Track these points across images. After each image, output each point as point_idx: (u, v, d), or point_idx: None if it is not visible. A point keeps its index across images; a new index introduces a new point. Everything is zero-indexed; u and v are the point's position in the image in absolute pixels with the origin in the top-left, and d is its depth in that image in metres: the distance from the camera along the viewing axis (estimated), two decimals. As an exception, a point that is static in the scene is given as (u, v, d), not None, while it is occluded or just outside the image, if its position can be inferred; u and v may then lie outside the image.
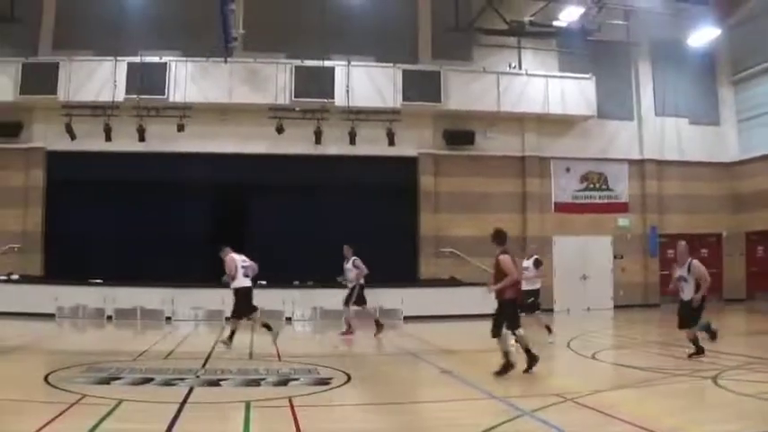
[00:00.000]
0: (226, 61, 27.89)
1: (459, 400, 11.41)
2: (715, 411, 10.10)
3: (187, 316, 25.79)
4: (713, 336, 16.66)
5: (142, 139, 27.16)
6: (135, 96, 26.98)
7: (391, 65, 29.43)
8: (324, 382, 12.57)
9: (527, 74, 30.74)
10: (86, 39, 27.77)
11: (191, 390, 11.52)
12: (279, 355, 16.89)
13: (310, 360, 15.43)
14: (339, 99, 28.55)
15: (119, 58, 27.34)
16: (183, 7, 28.33)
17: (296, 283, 26.96)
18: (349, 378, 12.95)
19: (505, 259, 13.46)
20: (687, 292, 15.12)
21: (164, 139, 27.87)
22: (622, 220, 32.06)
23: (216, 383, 12.24)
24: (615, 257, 31.65)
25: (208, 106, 28.33)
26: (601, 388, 11.90)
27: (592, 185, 31.97)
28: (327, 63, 28.78)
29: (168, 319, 25.68)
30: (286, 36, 28.45)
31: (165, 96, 27.76)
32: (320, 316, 26.44)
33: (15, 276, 26.47)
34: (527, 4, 29.29)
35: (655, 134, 32.69)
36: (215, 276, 27.20)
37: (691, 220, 32.33)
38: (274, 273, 26.44)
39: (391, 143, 28.64)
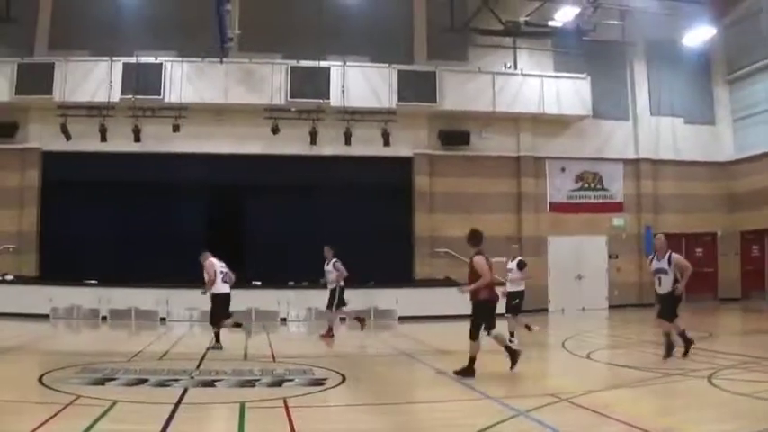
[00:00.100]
0: (221, 62, 27.91)
1: (455, 401, 11.40)
2: (710, 411, 10.10)
3: (182, 317, 25.79)
4: (669, 351, 15.26)
5: (138, 139, 27.15)
6: (130, 97, 26.96)
7: (387, 65, 29.42)
8: (318, 382, 12.57)
9: (522, 74, 30.73)
10: (82, 39, 27.76)
11: (185, 390, 11.51)
12: (273, 355, 16.91)
13: (305, 361, 15.43)
14: (334, 99, 28.54)
15: (114, 58, 27.29)
16: (178, 8, 28.30)
17: (291, 283, 26.97)
18: (344, 379, 12.94)
19: (479, 260, 13.41)
20: (665, 285, 15.08)
21: (159, 140, 27.85)
22: (617, 220, 32.08)
23: (210, 384, 12.24)
24: (610, 257, 31.67)
25: (203, 107, 28.32)
26: (596, 388, 11.90)
27: (587, 185, 31.98)
28: (323, 63, 28.76)
29: (163, 319, 25.70)
30: (281, 36, 28.44)
31: (161, 97, 27.73)
32: (315, 316, 26.41)
33: (10, 277, 26.47)
34: (522, 4, 29.32)
35: (650, 134, 32.70)
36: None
37: (686, 219, 32.36)
38: (269, 273, 26.56)
39: (386, 143, 28.64)
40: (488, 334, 13.32)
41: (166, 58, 28.13)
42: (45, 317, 25.23)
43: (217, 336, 17.79)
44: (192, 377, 12.88)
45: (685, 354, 14.92)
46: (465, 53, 31.17)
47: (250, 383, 12.39)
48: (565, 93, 30.75)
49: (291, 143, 28.43)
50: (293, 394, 11.32)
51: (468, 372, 12.91)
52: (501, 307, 17.96)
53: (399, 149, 29.68)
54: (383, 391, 12.19)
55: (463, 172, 30.54)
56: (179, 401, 10.60)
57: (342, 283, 21.13)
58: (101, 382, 12.18)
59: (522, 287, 19.05)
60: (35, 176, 28.21)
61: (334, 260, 21.04)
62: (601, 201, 32.00)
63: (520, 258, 19.31)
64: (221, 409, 10.39)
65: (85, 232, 27.70)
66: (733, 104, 33.42)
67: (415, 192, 30.37)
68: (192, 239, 27.70)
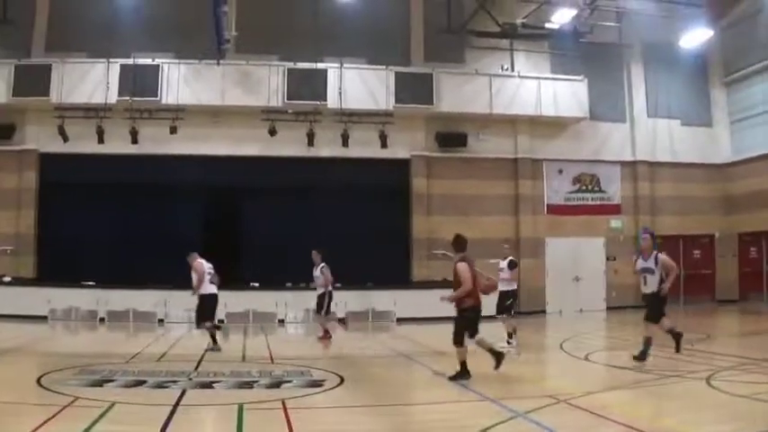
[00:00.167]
0: (218, 63, 27.92)
1: (452, 402, 11.42)
2: (708, 412, 10.10)
3: (180, 318, 25.73)
4: (678, 346, 15.29)
5: (135, 141, 27.10)
6: (128, 98, 26.92)
7: (384, 67, 29.42)
8: (317, 384, 12.58)
9: (519, 76, 30.74)
10: (79, 41, 27.74)
11: (183, 392, 11.52)
12: (272, 357, 16.93)
13: (303, 362, 15.45)
14: (332, 101, 28.52)
15: (111, 60, 27.27)
16: (175, 9, 28.30)
17: (288, 285, 26.97)
18: (342, 380, 12.95)
19: (462, 267, 13.31)
20: (651, 285, 14.94)
21: (156, 142, 27.84)
22: (615, 222, 32.07)
23: (209, 386, 12.24)
24: (608, 259, 31.66)
25: (200, 108, 28.30)
26: (594, 389, 11.90)
27: (584, 187, 31.99)
28: (320, 65, 28.77)
29: (161, 321, 25.70)
30: (279, 38, 28.43)
31: (158, 98, 27.69)
32: (313, 318, 26.39)
33: (8, 279, 26.44)
34: (519, 6, 29.30)
35: (647, 136, 32.72)
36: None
37: (683, 221, 32.39)
38: (267, 275, 26.55)
39: (384, 145, 28.64)
40: (470, 340, 13.27)
41: (163, 60, 28.11)
42: (43, 318, 25.23)
43: (213, 338, 17.78)
44: (191, 379, 12.88)
45: (677, 350, 14.99)
46: (462, 55, 31.19)
47: (248, 385, 12.40)
48: (562, 95, 30.76)
49: (289, 145, 28.41)
50: (291, 396, 11.33)
51: (462, 376, 12.90)
52: (491, 309, 18.19)
53: (397, 151, 29.69)
54: (381, 393, 12.19)
55: (460, 174, 30.55)
56: (177, 403, 10.60)
57: (330, 289, 20.98)
58: (99, 383, 12.19)
59: (514, 286, 19.07)
60: (32, 178, 28.18)
61: (321, 265, 20.97)
62: (598, 203, 32.00)
63: (511, 258, 19.28)
64: (219, 410, 10.40)
65: (83, 234, 27.67)
66: (730, 106, 33.42)
67: (412, 194, 30.36)
68: (189, 241, 27.58)
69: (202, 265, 17.97)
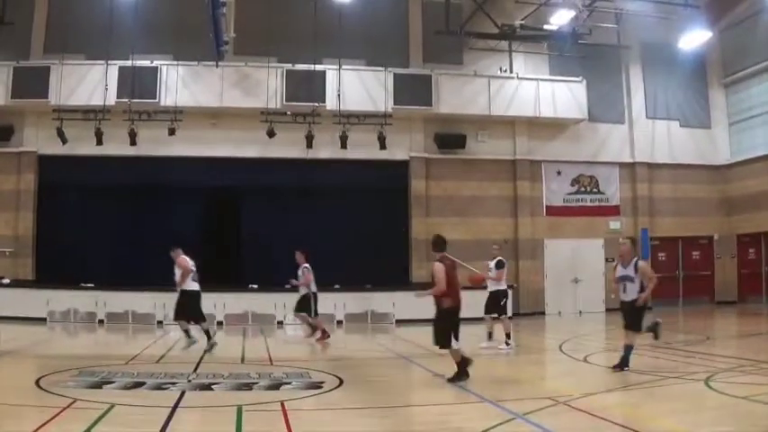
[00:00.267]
0: (217, 65, 27.93)
1: (452, 404, 11.42)
2: (707, 413, 10.12)
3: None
4: (656, 335, 15.15)
5: (134, 143, 27.05)
6: (126, 100, 26.90)
7: (382, 69, 29.45)
8: (316, 385, 12.57)
9: (518, 77, 30.78)
10: (78, 43, 27.70)
11: (182, 394, 11.52)
12: (271, 359, 16.93)
13: (302, 364, 15.47)
14: (330, 103, 28.53)
15: (110, 62, 27.26)
16: (174, 11, 28.32)
17: (288, 286, 26.90)
18: (341, 382, 12.95)
19: (437, 267, 13.27)
20: (630, 293, 14.29)
21: (155, 143, 27.82)
22: (614, 223, 32.07)
23: (208, 387, 12.23)
24: (607, 260, 31.58)
25: (199, 110, 28.33)
26: (593, 391, 11.90)
27: (583, 188, 32.01)
28: (318, 67, 28.78)
29: (160, 323, 25.67)
30: (277, 40, 28.37)
31: (157, 100, 27.72)
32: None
33: (7, 280, 26.43)
34: (518, 7, 29.30)
35: (646, 137, 32.74)
36: (207, 280, 27.31)
37: (682, 222, 32.44)
38: (266, 276, 26.56)
39: (382, 147, 28.59)
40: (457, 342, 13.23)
41: (162, 62, 28.15)
42: (42, 320, 25.24)
43: (207, 334, 17.83)
44: (190, 380, 12.87)
45: (616, 368, 14.07)
46: (460, 57, 31.23)
47: (247, 387, 12.39)
48: (560, 96, 30.79)
49: (287, 147, 28.40)
50: (290, 397, 11.33)
51: (460, 377, 12.89)
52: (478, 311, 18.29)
53: (395, 153, 29.71)
54: (380, 395, 12.18)
55: (459, 175, 30.59)
56: (176, 405, 10.60)
57: (314, 289, 20.94)
58: (98, 385, 12.19)
59: (503, 287, 19.04)
60: (31, 180, 28.19)
61: (304, 265, 20.91)
62: (597, 204, 32.03)
63: (499, 258, 19.24)
64: (219, 412, 10.38)
65: (82, 236, 27.73)
66: (729, 108, 33.44)
67: (411, 195, 30.38)
68: (188, 243, 27.72)
69: (187, 261, 18.05)
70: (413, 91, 29.43)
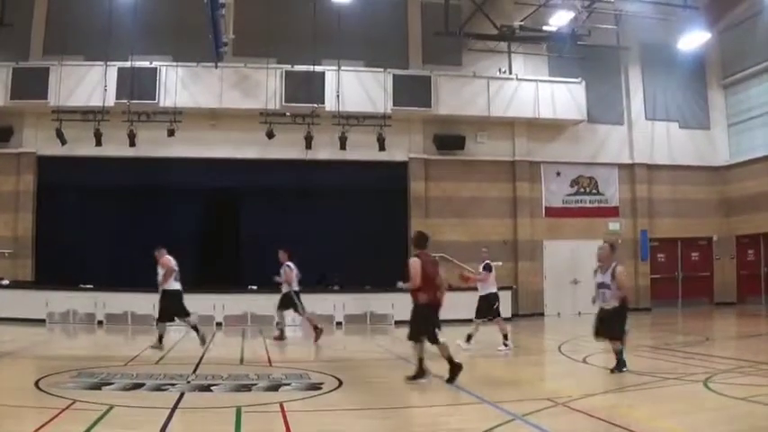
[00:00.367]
0: (216, 66, 27.91)
1: (451, 405, 11.43)
2: (706, 415, 10.11)
3: (178, 321, 25.70)
4: (618, 366, 14.08)
5: (133, 144, 27.03)
6: (125, 101, 26.89)
7: (381, 70, 29.45)
8: (315, 387, 12.56)
9: (517, 78, 30.78)
10: (77, 44, 27.67)
11: (182, 395, 11.51)
12: (270, 360, 16.93)
13: (301, 365, 15.45)
14: (329, 104, 28.52)
15: (109, 63, 27.24)
16: (173, 12, 28.31)
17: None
18: (340, 383, 12.95)
19: (412, 263, 13.26)
20: (611, 300, 13.95)
21: (154, 144, 27.81)
22: (613, 225, 32.08)
23: (207, 389, 12.22)
24: (606, 262, 31.63)
25: (198, 111, 28.34)
26: (592, 392, 11.91)
27: (582, 190, 32.01)
28: (318, 68, 28.76)
29: (196, 327, 25.65)
30: (276, 41, 28.34)
31: (156, 101, 27.72)
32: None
33: (6, 282, 26.42)
34: (517, 8, 29.35)
35: (645, 138, 32.75)
36: (206, 281, 27.38)
37: (681, 223, 32.46)
38: (265, 277, 26.51)
39: (382, 148, 28.57)
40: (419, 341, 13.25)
41: (161, 63, 28.16)
42: (41, 321, 25.20)
43: (195, 328, 18.29)
44: (189, 382, 12.86)
45: (614, 370, 13.88)
46: (460, 58, 31.26)
47: (246, 388, 12.38)
48: (560, 97, 30.80)
49: (286, 148, 28.41)
50: (290, 399, 11.33)
51: (454, 373, 12.93)
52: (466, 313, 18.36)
53: (395, 154, 29.71)
54: (380, 396, 12.18)
55: (459, 176, 30.59)
56: (175, 406, 10.60)
57: (296, 288, 20.96)
58: (97, 386, 12.18)
59: (494, 289, 19.03)
60: (30, 181, 28.19)
61: (286, 264, 20.89)
62: (596, 205, 32.03)
63: (487, 261, 19.24)
64: (218, 413, 10.37)
65: (81, 237, 27.73)
66: (728, 109, 33.47)
67: (410, 196, 30.39)
68: (187, 244, 27.86)
69: (170, 261, 18.14)
70: (412, 92, 29.45)
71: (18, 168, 28.15)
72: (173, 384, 12.46)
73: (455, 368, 12.92)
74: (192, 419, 9.98)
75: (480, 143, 31.01)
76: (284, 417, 9.96)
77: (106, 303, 25.83)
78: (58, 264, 27.44)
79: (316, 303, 26.24)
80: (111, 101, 27.08)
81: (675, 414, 10.16)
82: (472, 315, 19.02)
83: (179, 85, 28.05)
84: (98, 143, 26.77)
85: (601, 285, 14.10)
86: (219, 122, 28.99)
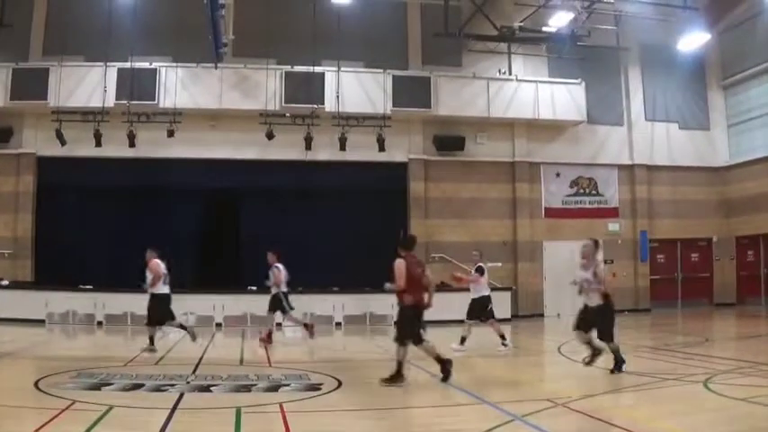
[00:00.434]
0: (216, 67, 27.90)
1: (450, 406, 11.42)
2: (706, 415, 10.10)
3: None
4: (616, 368, 13.94)
5: (132, 144, 27.02)
6: (125, 102, 26.88)
7: (381, 71, 29.46)
8: (314, 387, 12.55)
9: (517, 79, 30.79)
10: (77, 44, 27.67)
11: (181, 396, 11.50)
12: (269, 360, 16.92)
13: (301, 366, 15.45)
14: (329, 105, 28.52)
15: (109, 63, 27.24)
16: (173, 13, 28.33)
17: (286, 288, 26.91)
18: (340, 384, 12.94)
19: (397, 264, 13.38)
20: (593, 298, 13.79)
21: (154, 145, 27.81)
22: (612, 225, 32.09)
23: (206, 389, 12.21)
24: (605, 262, 31.57)
25: (198, 112, 28.33)
26: (592, 392, 11.90)
27: (582, 190, 32.01)
28: (317, 69, 28.75)
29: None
30: (276, 42, 28.34)
31: (156, 102, 27.72)
32: (311, 322, 26.43)
33: (5, 282, 26.41)
34: (517, 9, 29.38)
35: (645, 139, 32.75)
36: (206, 282, 27.38)
37: (681, 224, 32.47)
38: (265, 278, 26.53)
39: (381, 149, 28.55)
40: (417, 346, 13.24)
41: (161, 64, 28.16)
42: (41, 322, 25.19)
43: (151, 339, 18.00)
44: (188, 382, 12.85)
45: (613, 370, 13.78)
46: (459, 59, 31.26)
47: (246, 388, 12.38)
48: (559, 98, 30.79)
49: (286, 149, 28.40)
50: (289, 399, 11.32)
51: (446, 369, 12.99)
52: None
53: (394, 155, 29.71)
54: (379, 396, 12.15)
55: (458, 177, 30.60)
56: (175, 406, 10.59)
57: (284, 289, 20.82)
58: (97, 387, 12.17)
59: (487, 292, 19.03)
60: (30, 181, 28.19)
61: (275, 265, 20.81)
62: (596, 206, 32.03)
63: (479, 264, 19.23)
64: (217, 414, 10.36)
65: (81, 237, 27.72)
66: (728, 110, 33.48)
67: (410, 197, 30.40)
68: (187, 245, 27.91)
69: (159, 266, 18.21)
70: (412, 93, 29.44)
71: (18, 169, 28.15)
72: (172, 385, 12.45)
73: (445, 364, 12.98)
74: (192, 420, 9.97)
75: (480, 144, 31.02)
76: (284, 417, 9.95)
77: (106, 304, 25.82)
78: (57, 264, 27.44)
79: (315, 304, 26.36)
80: (110, 101, 27.08)
81: (675, 415, 10.15)
82: (464, 316, 19.03)
83: (179, 85, 28.05)
84: (98, 144, 26.77)
85: (584, 282, 13.98)
86: (219, 123, 28.99)
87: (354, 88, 29.06)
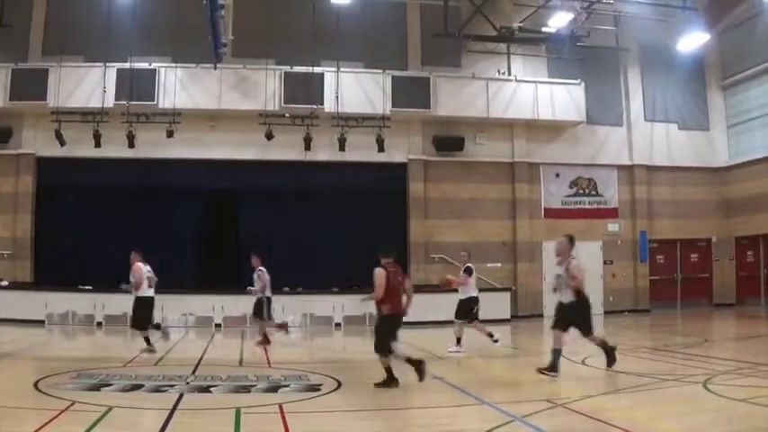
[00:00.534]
0: (215, 67, 27.87)
1: (450, 406, 11.41)
2: (706, 416, 10.11)
3: (177, 322, 25.75)
4: (610, 362, 14.28)
5: (132, 145, 27.00)
6: (124, 102, 26.86)
7: (380, 71, 29.44)
8: (314, 388, 12.57)
9: (516, 80, 30.78)
10: (76, 45, 27.64)
11: (181, 396, 11.52)
12: (269, 361, 16.92)
13: (300, 366, 15.44)
14: (328, 105, 28.50)
15: (108, 64, 27.22)
16: (172, 13, 28.32)
17: (286, 289, 26.88)
18: (339, 384, 12.96)
19: (376, 273, 13.05)
20: (566, 294, 13.84)
21: (153, 146, 27.79)
22: (612, 226, 32.08)
23: (206, 390, 12.23)
24: (605, 263, 31.68)
25: (197, 112, 28.31)
26: (592, 393, 11.92)
27: (581, 191, 31.99)
28: (317, 69, 28.72)
29: (158, 325, 25.61)
30: (275, 42, 28.34)
31: (155, 102, 27.69)
32: (311, 322, 26.47)
33: (5, 283, 26.43)
34: (516, 10, 29.37)
35: (644, 139, 32.73)
36: (206, 283, 27.38)
37: (680, 225, 32.46)
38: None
39: (381, 149, 28.52)
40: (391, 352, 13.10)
41: (160, 64, 28.14)
42: (40, 323, 25.19)
43: (147, 340, 18.02)
44: (188, 383, 12.87)
45: (546, 370, 13.68)
46: (459, 59, 31.24)
47: (245, 389, 12.40)
48: (559, 98, 30.77)
49: (285, 149, 28.38)
50: (289, 400, 11.32)
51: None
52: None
53: (394, 155, 29.69)
54: (379, 397, 12.16)
55: (458, 178, 30.58)
56: (174, 407, 10.61)
57: (268, 294, 20.74)
58: (96, 387, 12.19)
59: (475, 293, 19.04)
60: (30, 182, 28.16)
61: (259, 269, 20.74)
62: (595, 206, 32.01)
63: (468, 264, 19.23)
64: (217, 414, 10.37)
65: (80, 238, 27.67)
66: (727, 110, 33.46)
67: (409, 197, 30.39)
68: (187, 245, 27.93)
69: (141, 270, 18.24)
70: (411, 93, 29.42)
71: (17, 169, 28.13)
72: (172, 385, 12.47)
73: (416, 364, 12.91)
74: (192, 421, 9.97)
75: (479, 144, 31.02)
76: (283, 418, 9.96)
77: (105, 305, 25.78)
78: (57, 265, 27.43)
79: (315, 305, 26.38)
80: (110, 102, 27.05)
81: (675, 415, 10.16)
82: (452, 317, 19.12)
83: (178, 86, 28.04)
84: (97, 144, 26.76)
85: (558, 278, 13.98)
86: (218, 123, 28.98)
87: (354, 89, 29.05)
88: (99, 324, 25.68)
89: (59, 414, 9.81)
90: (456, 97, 29.95)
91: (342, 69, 28.86)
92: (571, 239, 14.45)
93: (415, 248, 29.91)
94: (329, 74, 28.84)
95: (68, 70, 27.42)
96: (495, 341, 18.68)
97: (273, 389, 12.46)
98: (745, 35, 31.51)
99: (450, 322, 19.54)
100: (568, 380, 13.82)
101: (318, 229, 28.59)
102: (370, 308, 26.18)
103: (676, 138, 33.13)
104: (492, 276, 29.33)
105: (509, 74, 30.94)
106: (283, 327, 21.04)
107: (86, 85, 27.46)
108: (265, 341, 20.14)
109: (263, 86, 28.29)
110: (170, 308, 25.71)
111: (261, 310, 20.59)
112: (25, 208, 28.02)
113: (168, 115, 27.39)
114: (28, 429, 8.84)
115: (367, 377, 13.28)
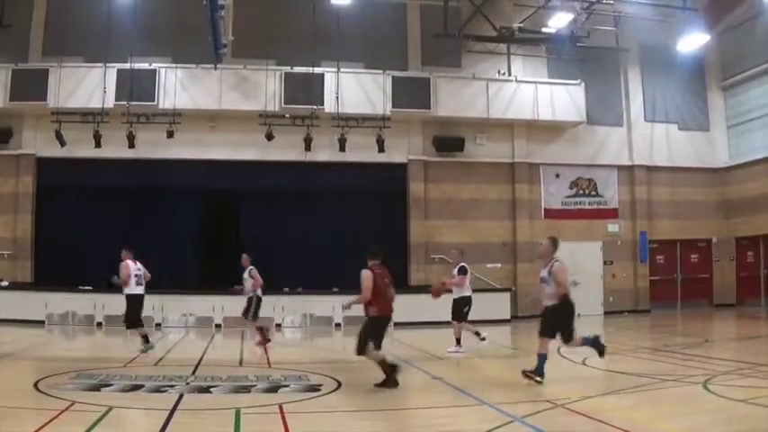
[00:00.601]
0: (215, 68, 27.89)
1: (450, 407, 11.42)
2: (706, 416, 10.10)
3: (177, 323, 25.77)
4: (601, 352, 14.11)
5: (132, 145, 27.01)
6: (125, 103, 26.87)
7: (381, 71, 29.44)
8: (314, 388, 12.56)
9: (516, 80, 30.78)
10: (76, 45, 27.65)
11: (181, 396, 11.51)
12: (269, 361, 16.92)
13: (300, 367, 15.42)
14: (329, 106, 28.50)
15: (108, 64, 27.24)
16: (172, 14, 28.33)
17: (286, 289, 26.90)
18: (339, 384, 12.96)
19: (363, 275, 13.16)
20: (549, 297, 13.26)
21: (153, 146, 27.81)
22: (612, 226, 32.07)
23: (206, 390, 12.22)
24: (605, 263, 31.68)
25: (197, 113, 28.32)
26: (591, 394, 11.90)
27: (581, 191, 31.99)
28: (317, 70, 28.72)
29: (158, 325, 25.62)
30: (275, 43, 28.36)
31: (155, 103, 27.70)
32: (310, 322, 26.46)
33: (5, 283, 26.44)
34: (516, 10, 29.37)
35: (644, 140, 32.72)
36: (206, 283, 27.38)
37: (681, 225, 32.46)
38: (264, 279, 26.54)
39: (381, 150, 28.53)
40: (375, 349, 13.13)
41: (160, 65, 28.15)
42: (40, 323, 25.19)
43: (145, 337, 18.01)
44: (188, 383, 12.86)
45: (531, 373, 13.23)
46: (459, 59, 31.24)
47: (245, 389, 12.40)
48: (559, 99, 30.78)
49: (286, 149, 28.38)
50: (289, 400, 11.32)
51: (388, 378, 12.85)
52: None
53: (394, 156, 29.69)
54: (379, 398, 12.16)
55: (458, 178, 30.58)
56: (174, 407, 10.59)
57: (259, 293, 20.70)
58: (96, 387, 12.18)
59: (467, 293, 19.01)
60: (30, 182, 28.17)
61: (250, 268, 20.66)
62: (595, 207, 32.01)
63: (462, 264, 19.22)
64: (217, 415, 10.37)
65: (80, 238, 27.66)
66: (727, 111, 33.46)
67: (409, 198, 30.39)
68: (187, 245, 27.92)
69: (128, 268, 18.21)
70: (411, 94, 29.43)
71: (17, 170, 28.14)
72: (172, 386, 12.47)
73: (389, 369, 12.92)
74: (192, 421, 9.97)
75: (479, 145, 31.02)
76: (283, 418, 9.96)
77: (105, 305, 25.72)
78: (57, 265, 27.43)
79: (315, 305, 26.37)
80: (110, 102, 27.07)
81: (675, 416, 10.16)
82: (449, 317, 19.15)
83: (178, 86, 28.04)
84: (97, 145, 26.77)
85: (542, 280, 13.61)
86: (219, 124, 28.99)
87: (354, 89, 29.05)
88: (99, 324, 25.68)
89: (59, 414, 9.81)
90: (456, 98, 29.95)
91: (342, 70, 28.87)
92: (554, 241, 14.24)
93: (416, 249, 29.91)
94: (329, 74, 28.84)
95: (68, 71, 27.43)
96: (483, 339, 18.70)
97: (273, 389, 12.46)
98: (745, 36, 31.52)
99: (448, 323, 19.52)
100: (568, 380, 13.82)
101: (318, 229, 28.58)
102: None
103: (676, 138, 33.13)
104: (492, 277, 29.35)
105: (509, 74, 30.94)
106: (264, 336, 20.53)
107: (87, 85, 27.47)
108: (265, 340, 20.12)
109: (264, 87, 28.30)
110: (170, 308, 25.79)
111: (248, 310, 20.49)
112: (25, 208, 28.03)
113: (168, 116, 27.40)
114: (28, 429, 8.83)
115: (367, 377, 13.27)
